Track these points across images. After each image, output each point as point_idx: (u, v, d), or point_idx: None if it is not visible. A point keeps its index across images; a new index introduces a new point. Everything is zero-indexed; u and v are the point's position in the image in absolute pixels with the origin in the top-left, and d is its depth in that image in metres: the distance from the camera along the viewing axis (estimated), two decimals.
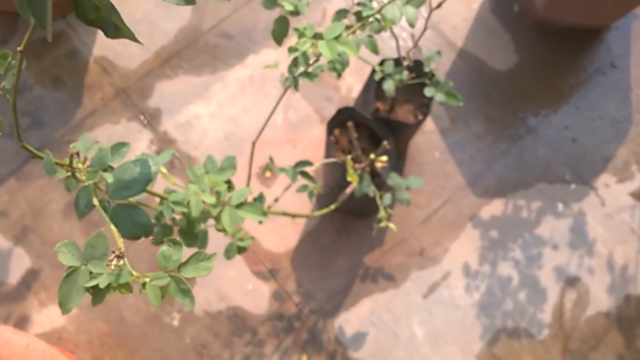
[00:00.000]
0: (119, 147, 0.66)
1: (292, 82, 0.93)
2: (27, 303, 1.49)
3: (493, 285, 1.56)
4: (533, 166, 1.66)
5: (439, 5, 0.98)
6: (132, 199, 0.79)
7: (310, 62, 0.89)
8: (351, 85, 1.72)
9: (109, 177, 0.57)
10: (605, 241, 1.60)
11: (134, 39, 0.51)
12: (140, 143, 1.63)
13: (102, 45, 1.72)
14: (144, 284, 0.53)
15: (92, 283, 0.52)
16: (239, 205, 0.80)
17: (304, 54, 0.85)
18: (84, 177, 0.61)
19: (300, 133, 1.67)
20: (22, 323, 1.48)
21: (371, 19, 0.92)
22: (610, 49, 1.79)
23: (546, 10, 1.71)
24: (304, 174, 1.11)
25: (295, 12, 1.01)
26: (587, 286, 1.57)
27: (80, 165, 0.63)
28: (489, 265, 1.58)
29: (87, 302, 1.50)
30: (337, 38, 0.81)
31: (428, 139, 1.67)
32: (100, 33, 1.73)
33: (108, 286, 0.52)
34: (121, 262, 0.52)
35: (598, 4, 1.66)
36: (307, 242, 1.57)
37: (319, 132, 1.67)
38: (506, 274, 1.57)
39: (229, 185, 0.87)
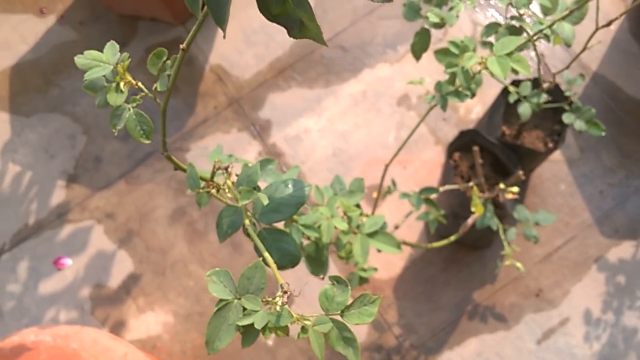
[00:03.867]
0: (265, 164, 0.60)
1: (439, 102, 0.84)
2: (125, 308, 1.49)
3: (616, 336, 1.41)
4: None
5: (609, 24, 0.87)
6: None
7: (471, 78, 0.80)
8: (470, 107, 1.61)
9: (265, 199, 0.51)
10: None
11: (322, 41, 0.45)
12: (249, 154, 1.60)
13: (218, 53, 1.71)
14: (302, 328, 0.47)
15: (247, 322, 0.46)
16: (372, 234, 0.73)
17: (466, 71, 0.76)
18: (228, 195, 0.56)
19: (413, 154, 1.58)
20: (118, 328, 1.48)
21: (537, 37, 0.82)
22: None
23: None
24: (429, 202, 1.02)
25: (441, 25, 0.92)
26: None
27: (229, 182, 0.57)
28: (613, 314, 1.42)
29: (185, 310, 1.48)
30: (510, 54, 0.72)
31: (553, 169, 1.54)
32: (218, 41, 1.72)
33: (264, 327, 0.46)
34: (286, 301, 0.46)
35: None
36: (413, 271, 1.48)
37: (433, 154, 1.57)
38: (632, 325, 1.41)
39: (360, 210, 0.80)
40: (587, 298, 1.44)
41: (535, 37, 0.82)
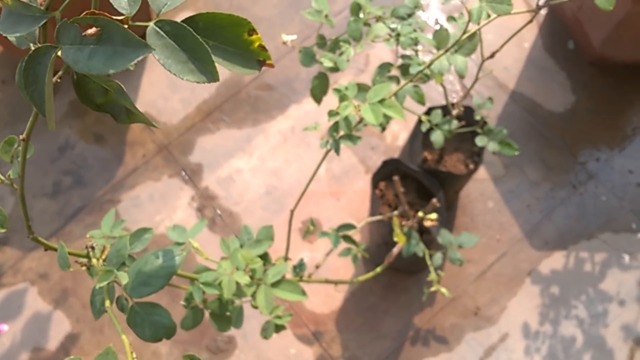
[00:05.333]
0: (141, 233, 0.61)
1: (332, 146, 0.86)
2: None
3: (555, 347, 1.44)
4: (596, 215, 1.54)
5: (492, 56, 0.91)
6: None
7: (353, 125, 0.82)
8: (396, 133, 1.64)
9: (124, 278, 0.52)
10: None
11: (150, 124, 0.46)
12: (182, 200, 1.60)
13: (144, 101, 1.71)
14: None
15: None
16: (276, 284, 0.74)
17: (346, 118, 0.78)
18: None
19: (345, 185, 1.60)
20: None
21: (419, 75, 0.85)
22: None
23: (604, 47, 1.60)
24: (347, 238, 1.04)
25: (335, 69, 0.95)
26: None
27: (95, 261, 0.58)
28: (551, 325, 1.45)
29: None
30: (382, 101, 0.74)
31: (480, 188, 1.58)
32: (143, 89, 1.72)
33: None
34: None
35: None
36: (353, 301, 1.49)
37: (365, 184, 1.59)
38: (569, 334, 1.45)
39: (266, 258, 0.80)
40: (524, 312, 1.47)
41: (417, 77, 0.85)
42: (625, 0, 1.42)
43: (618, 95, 1.65)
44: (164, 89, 1.72)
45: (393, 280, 1.50)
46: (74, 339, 1.47)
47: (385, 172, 1.37)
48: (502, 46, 0.88)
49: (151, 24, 0.36)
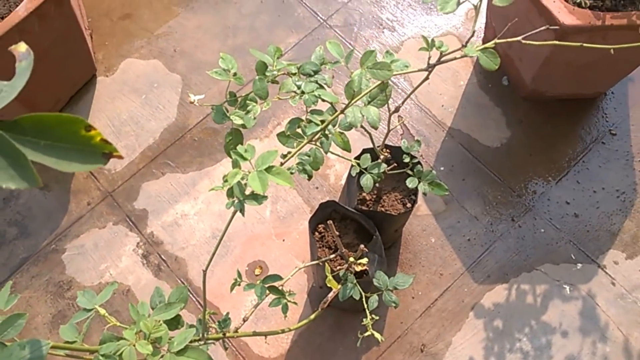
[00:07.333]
0: (14, 319, 0.61)
1: (237, 207, 0.87)
2: None
3: None
4: (535, 247, 1.58)
5: (397, 110, 0.94)
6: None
7: (247, 192, 0.83)
8: (340, 173, 1.67)
9: None
10: (619, 324, 1.49)
11: None
12: (127, 247, 1.59)
13: None
14: None
15: None
16: (181, 352, 0.74)
17: (239, 184, 0.79)
18: None
19: (290, 226, 1.62)
20: None
21: (317, 135, 0.87)
22: (607, 116, 1.72)
23: (535, 83, 1.65)
24: (273, 289, 1.05)
25: (244, 126, 0.97)
26: None
27: None
28: (496, 359, 1.47)
29: None
30: (269, 169, 0.75)
31: (422, 224, 1.60)
32: None
33: None
34: None
35: (588, 73, 1.61)
36: (300, 344, 1.49)
37: None
38: None
39: (177, 321, 0.81)
40: (469, 346, 1.49)
41: (315, 137, 0.88)
42: (549, 38, 1.47)
43: (551, 128, 1.70)
44: (108, 135, 1.72)
45: (339, 320, 1.51)
46: None
47: (323, 215, 1.39)
48: (403, 102, 0.91)
49: None
